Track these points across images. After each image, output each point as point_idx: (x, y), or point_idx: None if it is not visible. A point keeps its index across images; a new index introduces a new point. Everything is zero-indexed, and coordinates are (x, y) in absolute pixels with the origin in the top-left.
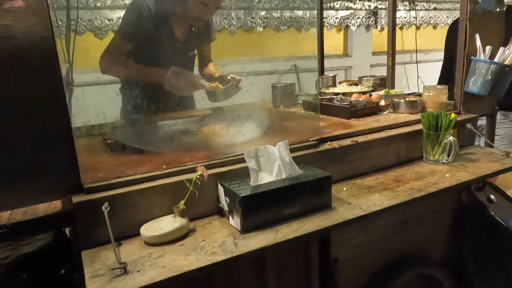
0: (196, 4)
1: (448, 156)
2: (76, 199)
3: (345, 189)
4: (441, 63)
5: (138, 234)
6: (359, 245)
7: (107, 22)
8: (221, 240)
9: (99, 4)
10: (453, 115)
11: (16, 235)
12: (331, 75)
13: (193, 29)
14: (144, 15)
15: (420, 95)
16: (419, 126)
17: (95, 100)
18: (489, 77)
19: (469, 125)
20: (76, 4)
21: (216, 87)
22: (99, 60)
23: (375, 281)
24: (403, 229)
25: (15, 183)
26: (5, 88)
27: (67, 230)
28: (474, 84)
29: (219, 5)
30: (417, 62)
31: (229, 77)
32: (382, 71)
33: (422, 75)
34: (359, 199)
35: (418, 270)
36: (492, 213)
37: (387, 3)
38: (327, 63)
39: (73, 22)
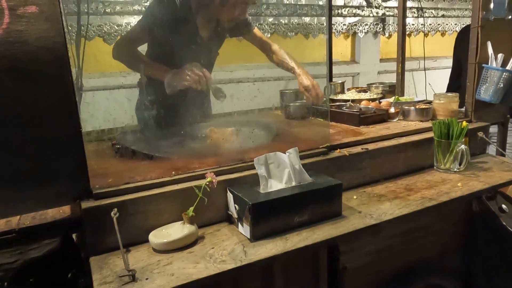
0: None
1: (460, 164)
2: (85, 204)
3: (355, 197)
4: (449, 70)
5: (147, 240)
6: (368, 253)
7: (116, 28)
8: (230, 248)
9: (109, 10)
10: (464, 123)
11: (24, 239)
12: (340, 81)
13: (218, 29)
14: (168, 10)
15: (430, 102)
16: (429, 134)
17: (104, 105)
18: (501, 85)
19: (480, 134)
20: (86, 10)
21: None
22: (113, 46)
23: None
24: (413, 238)
25: (24, 188)
26: (17, 93)
27: (74, 235)
28: (486, 92)
29: (249, 1)
30: (425, 69)
31: None
32: (389, 78)
33: (430, 83)
34: (369, 208)
35: (427, 280)
36: (504, 223)
37: (395, 10)
38: (334, 69)
39: (83, 28)
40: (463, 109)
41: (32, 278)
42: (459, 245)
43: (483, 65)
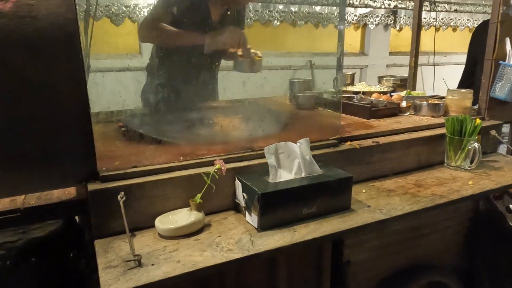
0: None
1: (471, 162)
2: (91, 187)
3: (364, 191)
4: (459, 66)
5: (153, 226)
6: (372, 248)
7: (124, 9)
8: (238, 237)
9: None
10: (478, 120)
11: (29, 219)
12: (350, 73)
13: (228, 12)
14: None
15: (442, 97)
16: (441, 130)
17: (112, 86)
18: None
19: (493, 132)
20: None
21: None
22: (139, 27)
23: (386, 286)
24: (418, 235)
25: (30, 168)
26: (26, 71)
27: (76, 217)
28: (501, 90)
29: None
30: (434, 65)
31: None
32: (398, 72)
33: (439, 78)
34: (378, 202)
35: (430, 277)
36: (511, 223)
37: (407, 2)
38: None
39: (91, 7)
40: (475, 107)
41: (34, 258)
42: (463, 243)
43: (500, 62)
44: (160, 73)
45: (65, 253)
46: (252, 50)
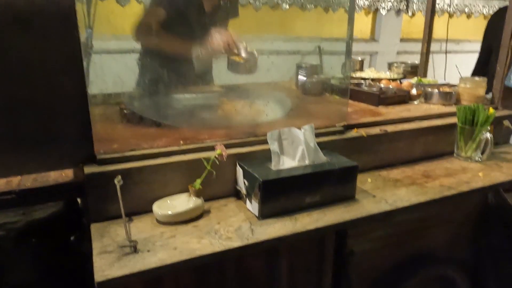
0: None
1: (482, 153)
2: (88, 169)
3: (369, 180)
4: (472, 55)
5: (150, 211)
6: (376, 239)
7: None
8: (237, 225)
9: None
10: (491, 110)
11: (24, 201)
12: (359, 59)
13: (221, 2)
14: None
15: (453, 86)
16: (452, 119)
17: (113, 67)
18: None
19: (506, 122)
20: None
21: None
22: (135, 29)
23: (389, 278)
24: (423, 226)
25: (26, 149)
26: (19, 48)
27: (79, 200)
28: None
29: None
30: (446, 52)
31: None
32: (409, 59)
33: (450, 66)
34: (384, 193)
35: (434, 270)
36: None
37: None
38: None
39: None
40: (489, 95)
41: (35, 239)
42: (470, 236)
43: None
44: (161, 55)
45: (66, 235)
46: (246, 50)
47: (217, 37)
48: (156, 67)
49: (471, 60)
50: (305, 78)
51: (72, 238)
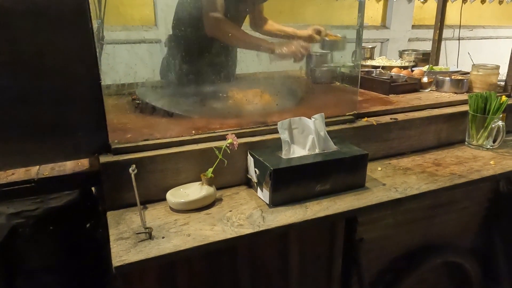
0: None
1: (494, 142)
2: (103, 159)
3: (379, 168)
4: (486, 41)
5: (164, 199)
6: (386, 226)
7: None
8: (248, 213)
9: None
10: (504, 97)
11: (43, 190)
12: (370, 46)
13: None
14: None
15: (466, 73)
16: (463, 107)
17: (125, 58)
18: None
19: None
20: None
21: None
22: (208, 23)
23: (399, 265)
24: (434, 214)
25: (43, 139)
26: (34, 40)
27: (93, 188)
28: None
29: None
30: (459, 39)
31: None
32: (420, 46)
33: (463, 53)
34: (394, 181)
35: (444, 257)
36: None
37: None
38: (363, 34)
39: None
40: (502, 83)
41: (52, 226)
42: (481, 224)
43: None
44: (179, 47)
45: (82, 223)
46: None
47: (295, 51)
48: (177, 59)
49: (485, 47)
50: (315, 67)
51: (87, 225)
